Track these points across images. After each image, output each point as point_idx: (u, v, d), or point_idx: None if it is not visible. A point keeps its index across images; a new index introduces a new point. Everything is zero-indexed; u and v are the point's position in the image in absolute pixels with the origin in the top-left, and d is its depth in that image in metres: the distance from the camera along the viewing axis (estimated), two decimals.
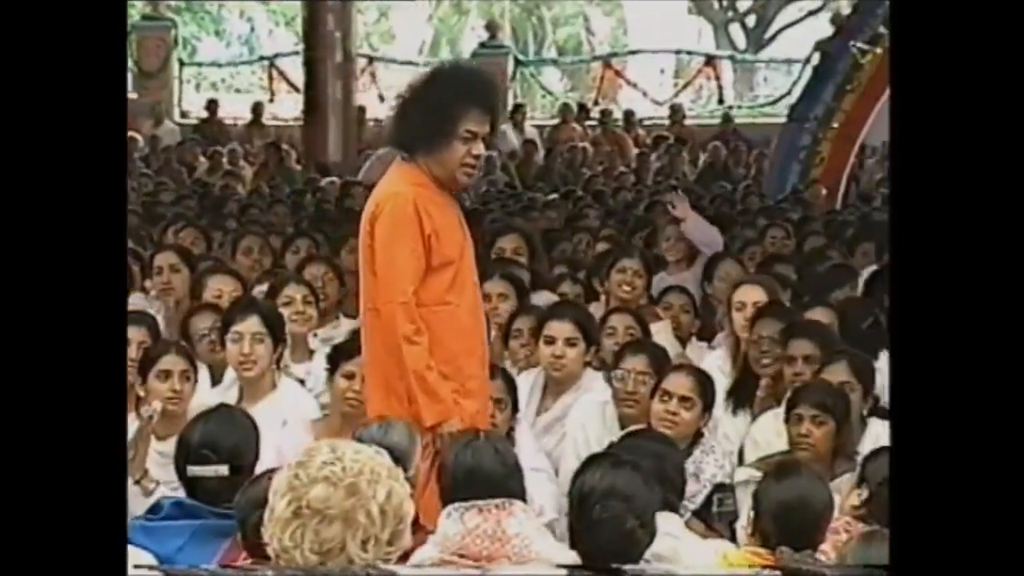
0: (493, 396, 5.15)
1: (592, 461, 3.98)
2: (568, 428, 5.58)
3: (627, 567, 3.58)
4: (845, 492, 4.46)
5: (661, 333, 6.53)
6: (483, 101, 4.81)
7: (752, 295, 6.37)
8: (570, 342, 5.80)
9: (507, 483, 4.14)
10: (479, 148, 4.80)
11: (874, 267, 8.28)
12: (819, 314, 6.33)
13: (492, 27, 23.48)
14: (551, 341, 5.80)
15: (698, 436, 5.30)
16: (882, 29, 13.84)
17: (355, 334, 5.94)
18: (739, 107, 23.39)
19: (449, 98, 4.77)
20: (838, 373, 5.43)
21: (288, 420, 5.37)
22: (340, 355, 5.45)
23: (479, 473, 4.15)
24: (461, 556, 3.97)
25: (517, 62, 23.50)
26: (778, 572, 3.67)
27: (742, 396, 5.84)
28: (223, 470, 4.16)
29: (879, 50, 13.89)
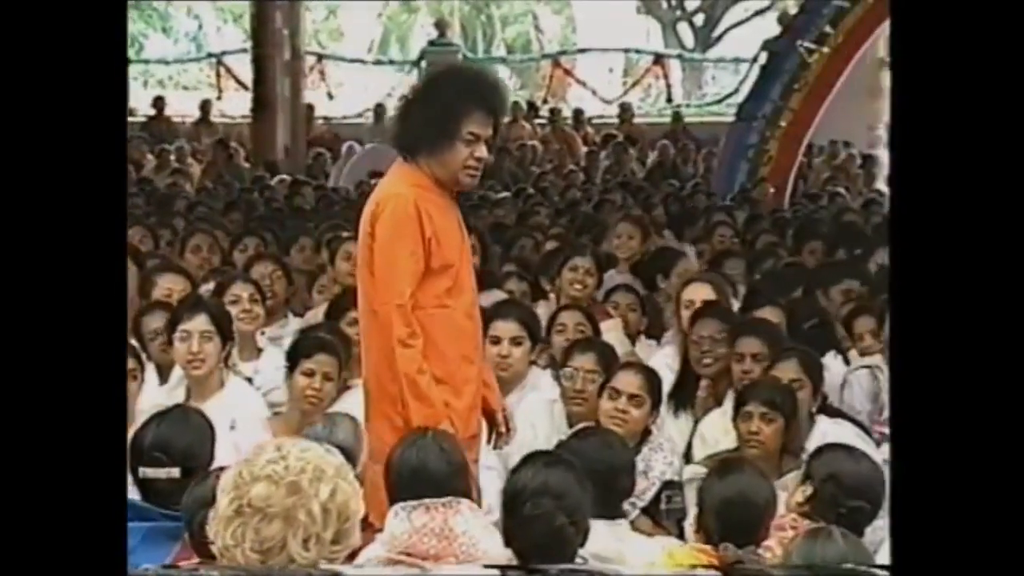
0: None
1: (527, 459, 3.99)
2: (516, 426, 5.58)
3: (552, 566, 3.57)
4: (791, 489, 4.49)
5: (611, 331, 6.55)
6: (486, 103, 4.75)
7: (701, 293, 6.40)
8: (515, 341, 5.81)
9: (452, 481, 4.14)
10: (481, 150, 4.74)
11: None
12: (768, 313, 6.38)
13: (441, 25, 23.48)
14: (496, 341, 5.80)
15: (646, 434, 5.32)
16: (828, 28, 13.95)
17: (306, 331, 5.93)
18: (687, 106, 23.50)
19: (452, 100, 4.72)
20: (788, 370, 5.46)
21: (236, 419, 5.36)
22: (299, 353, 5.44)
23: (424, 472, 4.15)
24: (408, 555, 3.96)
25: (466, 60, 23.50)
26: (723, 572, 3.69)
27: (683, 396, 5.85)
28: (175, 472, 4.14)
29: (826, 49, 14.00)
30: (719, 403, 5.73)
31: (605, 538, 4.21)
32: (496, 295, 6.95)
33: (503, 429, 5.01)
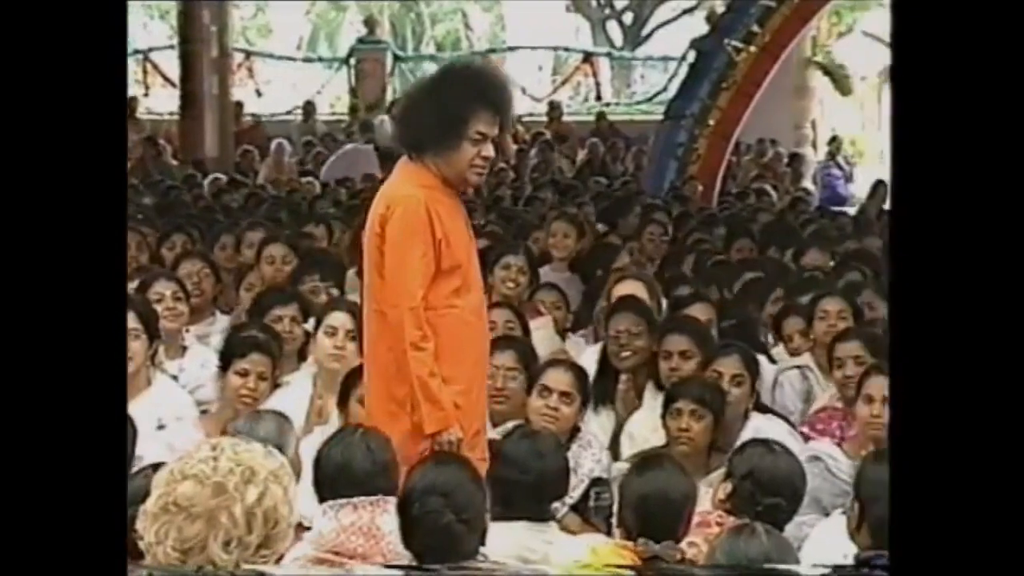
0: None
1: (421, 460, 3.99)
2: None
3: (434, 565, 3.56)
4: (716, 486, 4.51)
5: (542, 329, 6.56)
6: (494, 102, 4.73)
7: (632, 290, 6.43)
8: None
9: (377, 480, 4.12)
10: (488, 150, 4.72)
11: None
12: (698, 310, 6.42)
13: (370, 23, 23.44)
14: None
15: (575, 431, 5.33)
16: (755, 28, 14.04)
17: (238, 330, 5.90)
18: (617, 104, 23.57)
19: (460, 99, 4.69)
20: (730, 366, 5.50)
21: (164, 417, 5.33)
22: (232, 352, 5.40)
23: (348, 470, 4.13)
24: (336, 554, 3.94)
25: (396, 58, 23.49)
26: (638, 571, 3.70)
27: (603, 392, 5.84)
28: None
29: (753, 48, 14.08)
30: (640, 396, 5.77)
31: (531, 540, 4.21)
32: None
33: None
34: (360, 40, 22.76)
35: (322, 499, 4.13)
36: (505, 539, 4.01)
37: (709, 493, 4.50)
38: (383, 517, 3.99)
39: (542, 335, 6.42)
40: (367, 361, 4.88)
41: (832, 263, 8.33)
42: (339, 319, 5.70)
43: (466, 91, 4.71)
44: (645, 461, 4.30)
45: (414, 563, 3.70)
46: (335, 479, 4.12)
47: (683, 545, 4.12)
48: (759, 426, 5.32)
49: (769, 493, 4.18)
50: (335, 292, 6.89)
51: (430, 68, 27.93)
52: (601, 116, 20.00)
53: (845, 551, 3.70)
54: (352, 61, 22.18)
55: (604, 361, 5.95)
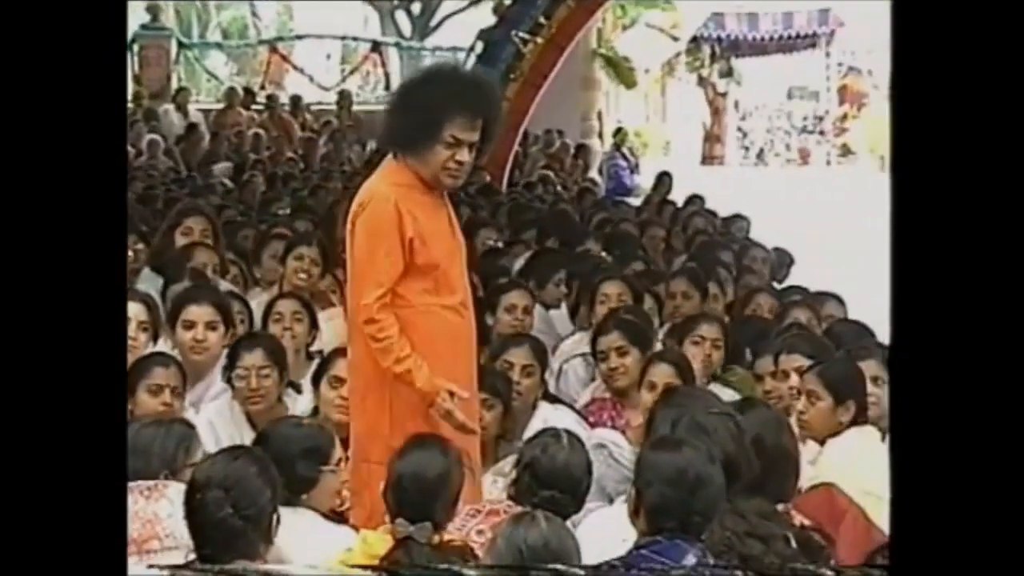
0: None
1: (216, 453, 3.96)
2: (199, 425, 5.38)
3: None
4: (507, 475, 4.56)
5: (335, 319, 6.54)
6: (472, 108, 4.73)
7: None
8: (210, 326, 5.76)
9: (136, 464, 4.03)
10: (463, 155, 4.73)
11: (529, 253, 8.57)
12: (515, 296, 6.56)
13: (154, 9, 22.98)
14: (191, 325, 5.76)
15: None
16: (542, 19, 14.20)
17: None
18: None
19: (435, 102, 4.70)
20: (521, 356, 5.57)
21: None
22: None
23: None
24: None
25: (180, 45, 23.11)
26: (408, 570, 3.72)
27: None
28: None
29: (540, 40, 14.24)
30: None
31: (293, 529, 4.18)
32: (225, 285, 6.90)
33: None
34: (143, 26, 22.29)
35: None
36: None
37: (499, 482, 4.55)
38: (160, 503, 3.94)
39: (332, 325, 6.42)
40: (349, 362, 4.89)
41: (606, 252, 8.50)
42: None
43: (443, 94, 4.75)
44: (408, 442, 4.29)
45: (191, 550, 3.67)
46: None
47: (472, 533, 4.16)
48: (547, 416, 5.39)
49: (545, 485, 4.21)
50: None
51: (217, 56, 27.62)
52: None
53: (625, 536, 3.77)
54: (135, 48, 21.75)
55: None
